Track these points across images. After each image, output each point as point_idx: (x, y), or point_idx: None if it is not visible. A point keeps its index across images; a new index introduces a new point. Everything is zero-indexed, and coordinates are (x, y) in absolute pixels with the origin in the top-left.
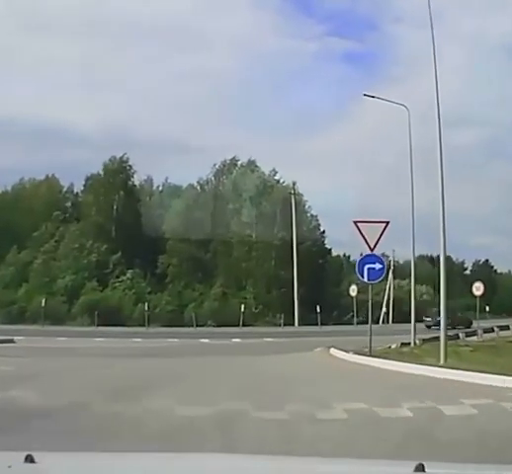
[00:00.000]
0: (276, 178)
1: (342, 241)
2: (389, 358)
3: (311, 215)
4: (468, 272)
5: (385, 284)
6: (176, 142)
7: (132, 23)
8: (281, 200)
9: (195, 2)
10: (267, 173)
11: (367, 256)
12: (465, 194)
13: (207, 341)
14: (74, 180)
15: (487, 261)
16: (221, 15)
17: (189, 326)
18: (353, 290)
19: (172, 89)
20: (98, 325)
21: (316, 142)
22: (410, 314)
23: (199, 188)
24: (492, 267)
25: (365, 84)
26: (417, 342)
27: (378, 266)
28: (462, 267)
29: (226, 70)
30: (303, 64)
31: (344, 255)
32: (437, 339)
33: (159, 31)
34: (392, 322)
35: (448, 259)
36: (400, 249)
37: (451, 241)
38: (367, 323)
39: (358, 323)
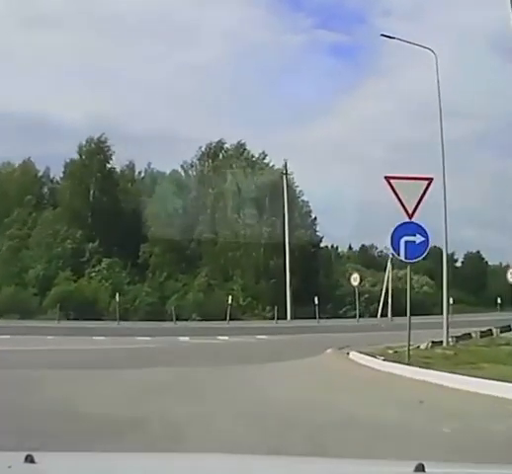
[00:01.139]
0: (265, 161)
1: (330, 234)
2: (443, 369)
3: (303, 201)
4: (459, 264)
5: (383, 275)
6: (163, 134)
7: (121, 16)
8: (271, 185)
9: None
10: (256, 156)
11: (404, 224)
12: (453, 186)
13: (187, 339)
14: (56, 169)
15: (479, 253)
16: (210, 8)
17: (170, 320)
18: (354, 279)
19: (162, 82)
20: (70, 319)
21: (304, 134)
22: (411, 306)
23: (182, 172)
24: (483, 259)
25: (353, 76)
26: (450, 340)
27: (419, 238)
28: (452, 259)
29: (215, 63)
30: (292, 57)
31: (332, 246)
32: (470, 336)
33: (148, 24)
34: (392, 315)
35: (437, 250)
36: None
37: (441, 233)
38: (370, 316)
39: (368, 316)
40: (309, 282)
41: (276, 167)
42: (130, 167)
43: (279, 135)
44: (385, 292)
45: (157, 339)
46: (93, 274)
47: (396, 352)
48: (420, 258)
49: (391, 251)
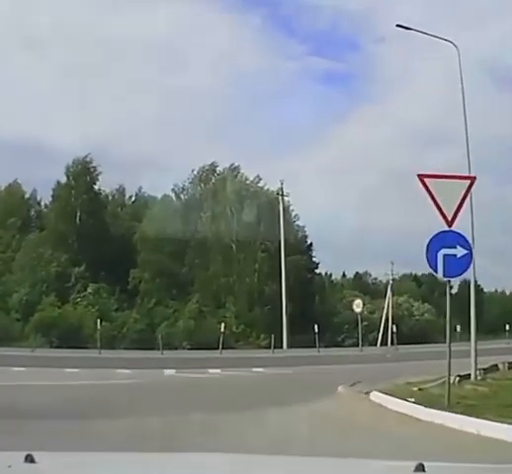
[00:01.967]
0: (260, 185)
1: (324, 260)
2: (493, 414)
3: (298, 226)
4: (454, 290)
5: (381, 302)
6: (155, 159)
7: (114, 42)
8: (265, 208)
9: (176, 21)
10: (250, 180)
11: (441, 234)
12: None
13: (173, 373)
14: (44, 191)
15: (475, 280)
16: (202, 34)
17: (159, 349)
18: (357, 305)
19: (152, 107)
20: (53, 346)
21: (297, 161)
22: (412, 334)
23: (174, 196)
24: (479, 286)
25: (345, 103)
26: (477, 373)
27: (460, 251)
28: (448, 285)
29: (206, 88)
30: (284, 83)
31: (326, 273)
32: (497, 368)
33: (139, 49)
34: (397, 343)
35: (432, 277)
36: (379, 267)
37: None
38: (370, 345)
39: (355, 345)
40: (306, 309)
41: (271, 190)
42: (121, 191)
43: (272, 162)
44: (386, 319)
45: (139, 372)
46: (78, 299)
47: (421, 389)
48: (460, 275)
49: (431, 268)
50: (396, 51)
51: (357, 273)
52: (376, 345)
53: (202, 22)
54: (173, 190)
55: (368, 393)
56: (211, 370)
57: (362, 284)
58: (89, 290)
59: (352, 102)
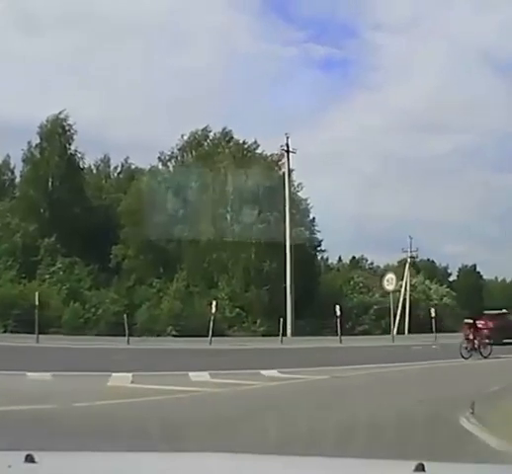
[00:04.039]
0: (258, 152)
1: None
2: None
3: (302, 199)
4: (453, 277)
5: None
6: (145, 139)
7: (110, 21)
8: (264, 176)
9: (176, 2)
10: (248, 144)
11: None
12: (448, 201)
13: (127, 380)
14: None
15: (475, 266)
16: (201, 16)
17: (138, 335)
18: (389, 281)
19: (149, 88)
20: (11, 331)
21: (293, 145)
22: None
23: (161, 165)
24: (479, 273)
25: (343, 89)
26: None
27: None
28: (446, 272)
29: (205, 70)
30: (281, 68)
31: (321, 257)
32: None
33: (136, 30)
34: (408, 332)
35: (431, 264)
36: (378, 254)
37: (433, 247)
38: (383, 333)
39: (366, 333)
40: (310, 291)
41: (269, 154)
42: (106, 162)
43: (267, 146)
44: (402, 303)
45: (66, 378)
46: (46, 275)
47: None
48: None
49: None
50: (393, 39)
51: (354, 257)
52: (389, 332)
53: (201, 2)
54: (159, 158)
55: None
56: (192, 378)
57: (358, 269)
58: (59, 265)
59: (349, 88)
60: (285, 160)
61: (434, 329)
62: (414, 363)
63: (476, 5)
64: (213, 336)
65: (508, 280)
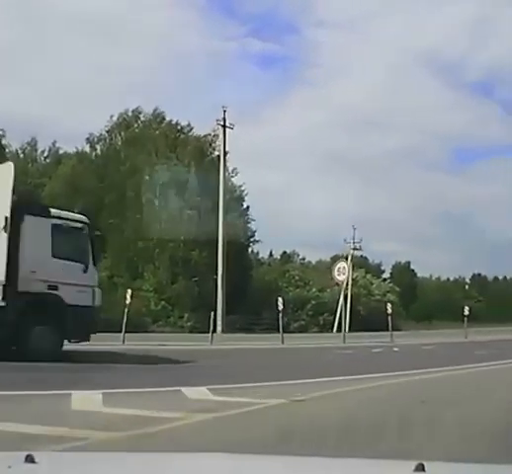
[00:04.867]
0: (191, 134)
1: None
2: None
3: (236, 186)
4: (386, 275)
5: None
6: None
7: (50, 14)
8: (197, 160)
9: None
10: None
11: None
12: (383, 199)
13: None
14: None
15: (409, 264)
16: (143, 11)
17: None
18: (340, 271)
19: (87, 82)
20: None
21: (229, 141)
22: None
23: (89, 147)
24: (413, 270)
25: (282, 85)
26: None
27: None
28: (379, 269)
29: (143, 64)
30: (220, 64)
31: (252, 251)
32: None
33: (78, 24)
34: (349, 330)
35: (364, 260)
36: (309, 250)
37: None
38: (320, 331)
39: (301, 330)
40: (241, 284)
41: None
42: (32, 145)
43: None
44: (344, 299)
45: None
46: None
47: None
48: None
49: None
50: (334, 36)
51: (285, 252)
52: (332, 329)
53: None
54: (87, 139)
55: None
56: (81, 394)
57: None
58: None
59: (290, 84)
60: (221, 138)
61: (390, 327)
62: (398, 374)
63: (419, 7)
64: (132, 332)
65: (443, 278)
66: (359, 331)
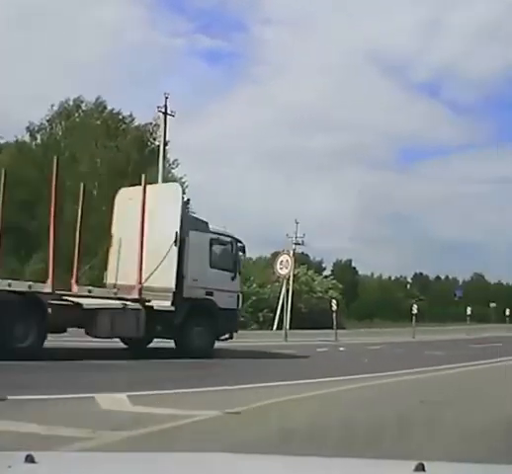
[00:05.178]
0: (132, 124)
1: None
2: None
3: (177, 177)
4: (328, 272)
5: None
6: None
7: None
8: (137, 149)
9: None
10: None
11: None
12: (327, 197)
13: None
14: None
15: (350, 262)
16: (91, 5)
17: None
18: (283, 264)
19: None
20: None
21: (171, 137)
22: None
23: (29, 137)
24: (354, 268)
25: (227, 83)
26: None
27: None
28: (320, 266)
29: (89, 60)
30: (170, 59)
31: None
32: None
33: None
34: (290, 327)
35: (305, 257)
36: (249, 247)
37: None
38: (259, 328)
39: (257, 327)
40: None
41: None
42: None
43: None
44: (285, 295)
45: None
46: None
47: None
48: None
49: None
50: (281, 34)
51: None
52: (272, 327)
53: None
54: (27, 128)
55: None
56: None
57: None
58: None
59: (236, 81)
60: (162, 127)
61: (335, 325)
62: (355, 378)
63: (367, 7)
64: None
65: (385, 277)
66: (300, 328)
